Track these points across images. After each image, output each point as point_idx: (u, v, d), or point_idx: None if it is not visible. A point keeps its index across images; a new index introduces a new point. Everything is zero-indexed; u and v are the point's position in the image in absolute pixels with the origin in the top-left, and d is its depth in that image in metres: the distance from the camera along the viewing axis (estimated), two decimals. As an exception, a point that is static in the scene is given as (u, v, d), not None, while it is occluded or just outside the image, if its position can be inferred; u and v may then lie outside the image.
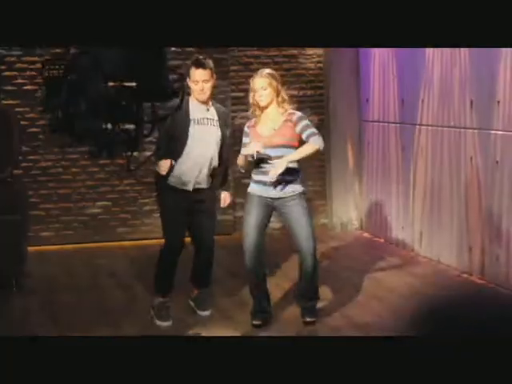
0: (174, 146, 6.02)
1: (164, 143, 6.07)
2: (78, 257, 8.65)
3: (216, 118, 6.10)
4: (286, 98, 5.97)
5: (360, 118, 9.56)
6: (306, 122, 5.93)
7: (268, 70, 6.05)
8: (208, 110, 6.09)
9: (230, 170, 6.50)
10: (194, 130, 6.01)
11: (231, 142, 6.68)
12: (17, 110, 8.79)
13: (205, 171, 6.06)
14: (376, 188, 9.26)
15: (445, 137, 7.65)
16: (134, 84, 3.56)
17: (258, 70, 9.43)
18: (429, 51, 7.86)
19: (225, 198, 6.35)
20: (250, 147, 5.85)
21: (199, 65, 5.96)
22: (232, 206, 9.47)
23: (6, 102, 8.92)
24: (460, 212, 7.43)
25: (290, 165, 5.87)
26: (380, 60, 9.01)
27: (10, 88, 9.03)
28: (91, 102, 3.41)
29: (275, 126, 5.93)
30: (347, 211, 9.72)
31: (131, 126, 3.70)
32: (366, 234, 9.47)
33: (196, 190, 6.08)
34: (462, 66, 7.32)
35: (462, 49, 7.27)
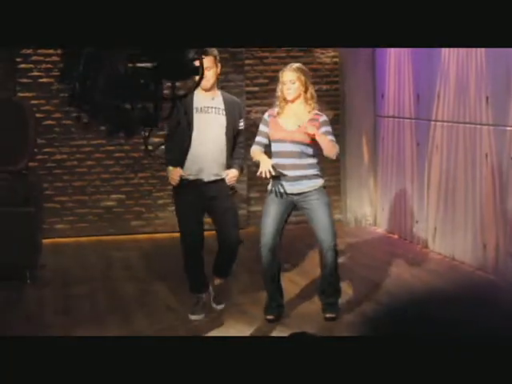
0: (180, 137, 5.96)
1: (171, 143, 6.02)
2: (92, 249, 8.68)
3: (222, 107, 6.01)
4: (315, 95, 5.96)
5: (375, 114, 9.54)
6: (328, 127, 5.95)
7: (298, 64, 6.04)
8: (213, 98, 6.01)
9: (242, 159, 6.26)
10: (198, 119, 5.95)
11: (246, 135, 6.65)
12: (32, 102, 8.81)
13: (216, 161, 5.98)
14: (390, 184, 9.23)
15: (460, 133, 7.62)
16: (150, 64, 3.55)
17: (273, 64, 9.58)
18: (445, 47, 7.83)
19: (230, 173, 6.04)
20: (263, 168, 5.80)
21: (203, 52, 5.95)
22: (246, 200, 9.50)
23: (21, 95, 8.95)
24: (475, 209, 7.40)
25: (310, 160, 5.89)
26: (396, 55, 8.98)
27: (25, 80, 9.06)
28: (109, 78, 3.40)
29: (300, 122, 5.89)
30: (361, 207, 9.70)
31: (150, 105, 3.67)
32: (380, 230, 9.45)
33: (212, 183, 6.01)
34: (478, 61, 7.29)
35: (478, 45, 7.25)
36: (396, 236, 9.03)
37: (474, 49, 7.30)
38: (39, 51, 9.01)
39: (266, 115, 6.06)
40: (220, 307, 6.31)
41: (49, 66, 9.07)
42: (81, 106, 3.55)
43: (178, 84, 3.87)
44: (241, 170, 6.22)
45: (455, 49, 7.64)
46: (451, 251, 7.84)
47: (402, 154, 8.87)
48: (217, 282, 6.30)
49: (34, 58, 9.04)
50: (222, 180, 6.03)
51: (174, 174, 5.99)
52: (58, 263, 8.00)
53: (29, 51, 9.00)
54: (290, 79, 5.88)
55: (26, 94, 8.97)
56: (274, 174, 5.82)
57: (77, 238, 9.14)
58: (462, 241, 7.63)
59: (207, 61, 5.81)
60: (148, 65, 3.55)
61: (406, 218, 8.82)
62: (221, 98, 6.05)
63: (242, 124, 6.14)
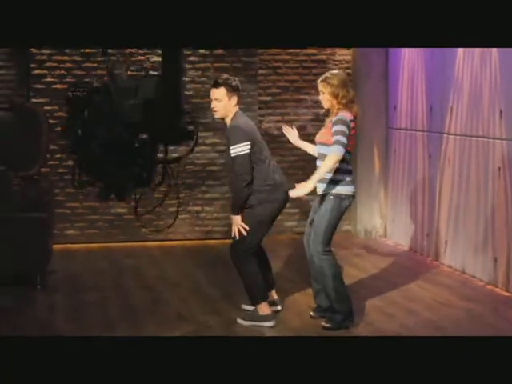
0: None
1: None
2: (103, 256, 8.68)
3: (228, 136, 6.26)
4: (350, 98, 6.01)
5: (387, 126, 9.54)
6: (337, 127, 5.94)
7: (325, 75, 6.16)
8: (227, 128, 6.27)
9: (235, 192, 6.30)
10: None
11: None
12: (46, 108, 8.85)
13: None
14: (401, 196, 9.22)
15: (473, 146, 7.61)
16: (145, 137, 3.63)
17: (286, 74, 9.60)
18: (459, 60, 7.83)
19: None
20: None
21: (213, 83, 6.25)
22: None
23: (35, 100, 8.98)
24: (486, 222, 7.38)
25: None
26: (409, 67, 8.98)
27: (39, 86, 9.09)
28: (107, 139, 3.47)
29: (324, 125, 6.14)
30: (372, 218, 9.70)
31: (143, 169, 3.74)
32: (389, 242, 9.44)
33: None
34: (492, 75, 7.28)
35: (492, 58, 7.24)
36: (406, 248, 9.01)
37: (488, 62, 7.30)
38: (53, 58, 9.05)
39: None
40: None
41: (62, 72, 9.10)
42: (81, 154, 3.61)
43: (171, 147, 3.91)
44: (234, 210, 6.23)
45: (469, 61, 7.64)
46: (462, 264, 7.82)
47: (414, 166, 8.86)
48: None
49: (47, 64, 9.07)
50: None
51: None
52: (68, 269, 8.01)
53: (43, 57, 9.03)
54: (320, 89, 6.12)
55: (40, 100, 9.00)
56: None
57: (87, 244, 9.16)
58: (473, 254, 7.61)
59: (215, 92, 6.17)
60: (143, 136, 3.62)
61: (416, 230, 8.81)
62: (228, 128, 6.24)
63: (232, 151, 6.10)
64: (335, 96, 5.99)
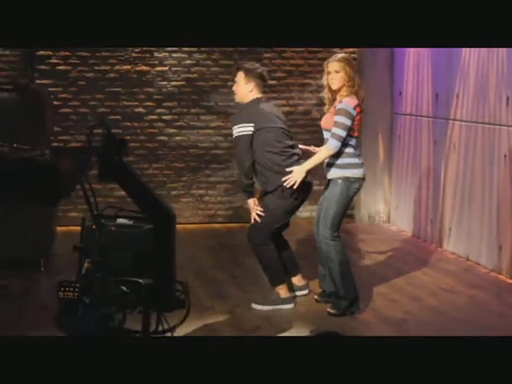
0: None
1: None
2: (105, 238, 8.65)
3: None
4: (359, 84, 6.00)
5: (392, 111, 9.51)
6: (338, 117, 5.91)
7: (343, 55, 6.15)
8: None
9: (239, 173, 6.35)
10: None
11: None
12: (50, 89, 8.82)
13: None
14: (405, 181, 9.21)
15: (479, 133, 7.59)
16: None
17: (291, 58, 9.55)
18: (466, 46, 7.79)
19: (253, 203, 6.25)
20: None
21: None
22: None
23: (39, 82, 8.95)
24: (491, 210, 7.37)
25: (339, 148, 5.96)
26: (414, 53, 8.94)
27: (43, 67, 9.05)
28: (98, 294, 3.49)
29: (330, 109, 6.06)
30: (375, 203, 9.68)
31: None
32: (393, 227, 9.43)
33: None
34: (498, 61, 7.24)
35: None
36: (409, 234, 9.01)
37: (495, 49, 7.26)
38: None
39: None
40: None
41: (67, 53, 9.07)
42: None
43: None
44: (242, 187, 6.31)
45: (476, 48, 7.60)
46: (466, 251, 7.81)
47: (419, 152, 8.83)
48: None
49: (52, 45, 9.03)
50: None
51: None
52: (70, 251, 7.97)
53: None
54: (335, 69, 5.97)
55: (44, 81, 8.97)
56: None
57: (90, 227, 9.12)
58: (478, 241, 7.60)
59: (236, 75, 6.22)
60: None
61: (420, 216, 8.79)
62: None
63: (233, 133, 6.17)
64: (350, 78, 5.95)
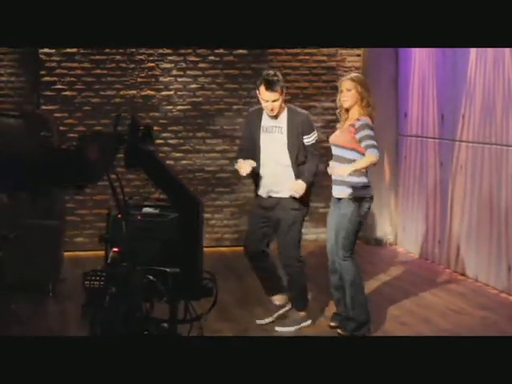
0: (251, 152, 6.20)
1: (245, 145, 6.29)
2: (112, 263, 8.62)
3: (284, 125, 6.14)
4: (372, 103, 6.02)
5: (397, 133, 9.51)
6: (365, 132, 5.90)
7: (356, 74, 6.27)
8: (277, 117, 6.15)
9: (311, 173, 6.19)
10: (263, 138, 6.18)
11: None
12: (56, 115, 8.83)
13: (276, 178, 6.13)
14: (412, 203, 9.19)
15: (486, 154, 7.58)
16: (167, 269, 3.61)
17: (295, 81, 9.56)
18: (471, 66, 7.80)
19: (294, 185, 6.10)
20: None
21: (269, 86, 6.07)
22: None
23: (45, 108, 8.97)
24: (499, 230, 7.34)
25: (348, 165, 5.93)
26: (419, 73, 8.95)
27: (49, 93, 9.07)
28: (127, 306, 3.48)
29: (343, 127, 6.07)
30: (382, 225, 9.66)
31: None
32: (400, 249, 9.41)
33: (271, 198, 6.20)
34: (505, 80, 7.25)
35: (505, 64, 7.21)
36: (416, 256, 8.98)
37: (501, 67, 7.27)
38: (62, 64, 9.04)
39: None
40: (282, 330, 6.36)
41: (72, 79, 9.09)
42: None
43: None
44: (309, 184, 6.15)
45: (482, 67, 7.61)
46: (475, 273, 7.78)
47: (425, 173, 8.82)
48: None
49: (57, 71, 9.06)
50: (286, 199, 6.16)
51: (242, 162, 6.14)
52: (78, 276, 7.95)
53: (52, 64, 9.02)
54: (347, 87, 6.02)
55: (50, 107, 8.99)
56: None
57: (96, 252, 9.10)
58: (486, 262, 7.57)
59: (274, 95, 6.07)
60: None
61: (427, 237, 8.77)
62: (285, 115, 6.17)
63: (309, 139, 6.17)
64: (362, 96, 5.97)
